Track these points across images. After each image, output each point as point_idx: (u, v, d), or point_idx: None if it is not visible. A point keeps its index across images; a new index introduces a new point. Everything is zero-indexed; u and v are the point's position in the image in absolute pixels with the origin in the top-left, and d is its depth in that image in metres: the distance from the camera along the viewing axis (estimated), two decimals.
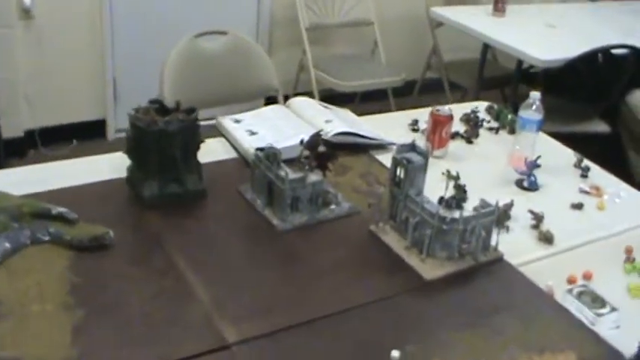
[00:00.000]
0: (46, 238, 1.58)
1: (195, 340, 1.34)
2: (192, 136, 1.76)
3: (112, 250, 1.57)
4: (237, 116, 2.19)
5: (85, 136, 4.26)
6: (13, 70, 3.91)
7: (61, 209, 1.62)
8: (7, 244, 1.55)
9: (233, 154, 2.05)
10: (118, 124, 4.30)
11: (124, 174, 1.81)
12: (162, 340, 1.33)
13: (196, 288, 1.47)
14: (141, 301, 1.43)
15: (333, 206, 1.81)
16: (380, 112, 2.60)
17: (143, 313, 1.40)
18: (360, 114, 2.43)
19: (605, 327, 1.49)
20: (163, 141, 1.70)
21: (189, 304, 1.43)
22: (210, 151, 1.94)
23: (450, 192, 1.77)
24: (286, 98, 2.56)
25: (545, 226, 1.84)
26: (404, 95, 4.68)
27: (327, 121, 2.13)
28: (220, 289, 1.48)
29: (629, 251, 1.77)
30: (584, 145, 2.45)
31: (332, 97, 3.88)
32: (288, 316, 1.43)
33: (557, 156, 2.27)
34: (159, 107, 1.78)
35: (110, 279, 1.49)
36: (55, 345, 1.30)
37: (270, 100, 3.17)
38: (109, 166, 1.87)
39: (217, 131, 2.16)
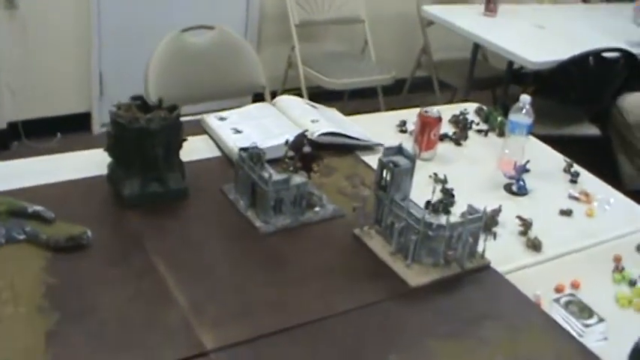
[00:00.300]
0: (22, 237, 1.53)
1: (173, 346, 1.30)
2: (175, 133, 1.72)
3: (90, 251, 1.53)
4: (223, 114, 2.15)
5: (70, 129, 4.20)
6: None
7: (38, 207, 1.57)
8: None
9: (217, 153, 2.01)
10: (103, 119, 4.24)
11: (105, 171, 1.76)
12: (138, 346, 1.30)
13: (175, 291, 1.44)
14: (118, 305, 1.39)
15: (317, 208, 1.77)
16: (369, 110, 2.57)
17: (119, 317, 1.36)
18: (348, 112, 2.39)
19: (593, 338, 1.46)
20: (145, 139, 1.66)
21: (168, 308, 1.39)
22: (194, 150, 1.90)
23: (438, 196, 1.74)
24: (274, 95, 2.52)
25: (534, 232, 1.80)
26: (393, 93, 4.64)
27: (313, 121, 2.09)
28: (200, 293, 1.44)
29: (617, 260, 1.74)
30: (574, 148, 2.42)
31: (320, 95, 3.85)
32: (269, 321, 1.39)
33: (546, 160, 2.24)
34: (141, 104, 1.74)
35: (87, 281, 1.45)
36: (28, 350, 1.26)
37: (258, 97, 3.14)
38: (91, 162, 1.82)
39: (202, 128, 2.12)
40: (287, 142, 1.76)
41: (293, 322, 1.40)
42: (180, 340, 1.32)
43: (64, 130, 4.19)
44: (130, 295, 1.42)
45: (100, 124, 4.27)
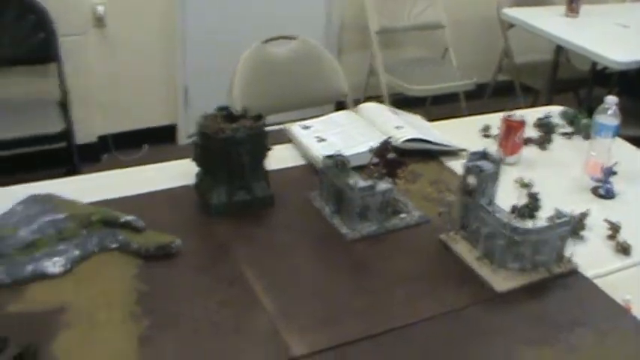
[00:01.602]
0: (114, 246, 1.59)
1: (261, 352, 1.32)
2: (260, 143, 1.75)
3: (179, 259, 1.57)
4: (306, 122, 2.17)
5: (156, 140, 4.30)
6: (86, 77, 3.98)
7: (129, 217, 1.62)
8: (76, 252, 1.56)
9: (302, 161, 2.03)
10: (188, 130, 4.33)
11: (192, 180, 1.80)
12: (227, 352, 1.32)
13: (263, 298, 1.46)
14: (207, 311, 1.42)
15: (402, 215, 1.77)
16: (451, 115, 2.56)
17: (209, 324, 1.39)
18: (431, 118, 2.39)
19: None
20: (231, 148, 1.69)
21: (256, 314, 1.41)
22: (279, 158, 1.92)
23: (523, 200, 1.73)
24: (356, 103, 2.53)
25: (622, 236, 1.77)
26: (475, 98, 4.60)
27: (396, 127, 2.10)
28: (287, 299, 1.46)
29: None
30: None
31: (402, 101, 3.85)
32: (355, 328, 1.40)
33: (634, 162, 2.20)
34: (226, 114, 1.77)
35: (177, 288, 1.48)
36: (121, 354, 1.30)
37: (341, 105, 3.15)
38: (178, 172, 1.87)
39: (286, 137, 2.15)
40: (371, 149, 1.77)
41: (379, 328, 1.41)
42: (269, 346, 1.34)
43: (150, 141, 4.29)
44: (219, 302, 1.45)
45: (185, 135, 4.35)
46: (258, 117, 1.76)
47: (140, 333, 1.35)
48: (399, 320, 1.43)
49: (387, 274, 1.58)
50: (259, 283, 1.50)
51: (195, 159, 1.76)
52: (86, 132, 4.04)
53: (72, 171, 3.77)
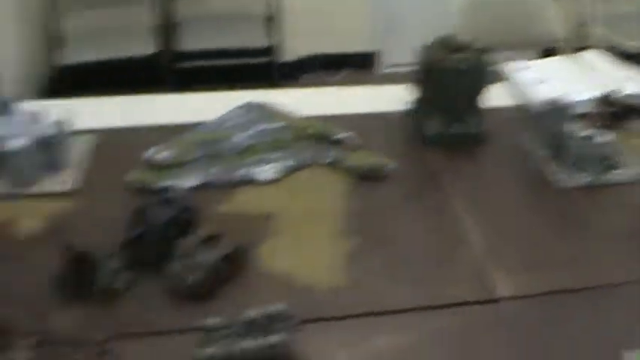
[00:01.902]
0: (327, 161, 1.60)
1: (466, 287, 1.30)
2: (480, 77, 1.70)
3: (389, 182, 1.56)
4: (526, 63, 2.10)
5: (355, 66, 4.31)
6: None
7: (344, 134, 1.63)
8: (289, 162, 1.58)
9: (517, 102, 1.96)
10: (390, 58, 4.30)
11: (404, 107, 1.78)
12: (430, 282, 1.31)
13: (471, 233, 1.43)
14: (414, 238, 1.41)
15: (620, 170, 1.69)
16: None
17: (414, 250, 1.38)
18: None
19: None
20: (451, 80, 1.65)
21: (462, 249, 1.39)
22: (494, 97, 1.86)
23: None
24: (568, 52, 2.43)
25: None
26: None
27: (623, 79, 1.98)
28: (495, 239, 1.42)
29: None
30: None
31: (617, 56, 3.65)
32: (563, 278, 1.34)
33: None
34: (449, 45, 1.73)
35: (385, 210, 1.48)
36: (325, 267, 1.32)
37: (549, 52, 3.04)
38: (389, 97, 1.85)
39: (501, 76, 2.08)
40: (595, 98, 1.69)
41: (588, 282, 1.34)
42: (472, 283, 1.31)
43: (349, 67, 4.31)
44: (426, 229, 1.44)
45: (385, 63, 4.33)
46: (481, 50, 1.71)
47: (348, 250, 1.36)
48: (609, 277, 1.36)
49: (599, 228, 1.50)
50: (468, 217, 1.47)
51: (412, 87, 1.74)
52: (288, 50, 4.11)
53: (272, 87, 3.86)
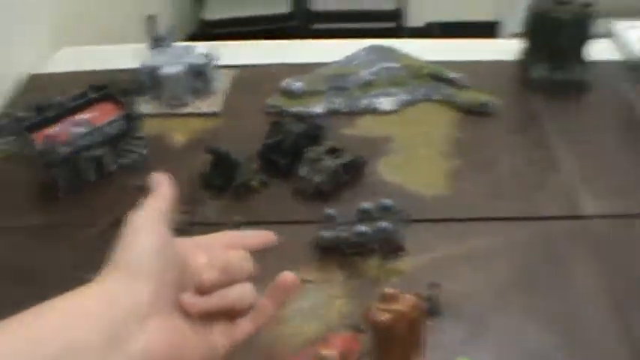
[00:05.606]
0: (439, 98, 1.79)
1: (554, 205, 1.46)
2: (585, 28, 1.84)
3: (495, 118, 1.73)
4: (634, 22, 2.20)
5: (476, 35, 4.42)
6: None
7: (456, 75, 1.81)
8: (405, 96, 1.78)
9: (622, 57, 2.08)
10: (513, 28, 4.39)
11: (512, 58, 1.95)
12: (524, 200, 1.48)
13: (565, 163, 1.58)
14: (512, 165, 1.58)
15: None
16: None
17: (512, 174, 1.55)
18: None
19: None
20: (557, 27, 1.80)
21: (555, 175, 1.54)
22: (601, 50, 1.99)
23: None
24: None
25: None
26: None
27: None
28: (587, 169, 1.56)
29: None
30: None
31: None
32: None
33: None
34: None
35: (488, 140, 1.66)
36: (433, 181, 1.52)
37: None
38: (502, 49, 2.01)
39: (608, 32, 2.19)
40: None
41: None
42: (561, 203, 1.47)
43: (471, 35, 4.43)
44: (524, 159, 1.59)
45: (507, 33, 4.44)
46: (587, 4, 1.85)
47: (453, 169, 1.56)
48: None
49: None
50: (564, 151, 1.61)
51: (523, 35, 1.90)
52: (416, 15, 4.27)
53: None
